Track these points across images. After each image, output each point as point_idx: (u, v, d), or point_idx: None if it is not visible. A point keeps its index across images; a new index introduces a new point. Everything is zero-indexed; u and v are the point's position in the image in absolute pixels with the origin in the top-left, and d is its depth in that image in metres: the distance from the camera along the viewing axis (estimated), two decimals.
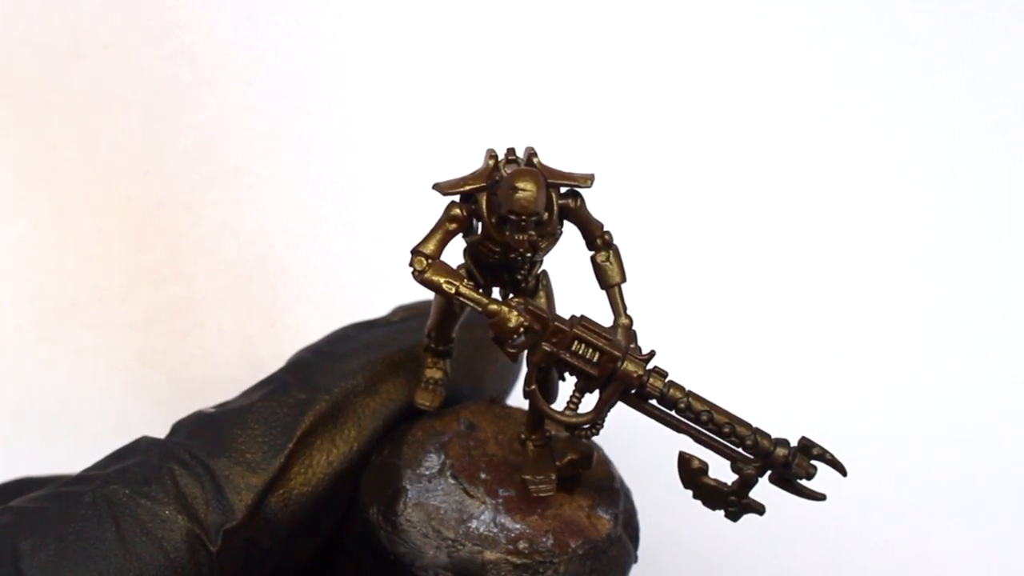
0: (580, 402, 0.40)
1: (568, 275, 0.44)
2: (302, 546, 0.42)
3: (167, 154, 0.71)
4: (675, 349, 0.44)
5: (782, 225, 0.75)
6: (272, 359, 0.55)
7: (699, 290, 0.74)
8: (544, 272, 0.42)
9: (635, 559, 0.43)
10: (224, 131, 0.72)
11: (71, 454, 0.46)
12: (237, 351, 0.70)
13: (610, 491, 0.43)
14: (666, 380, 0.39)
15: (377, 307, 0.52)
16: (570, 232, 0.42)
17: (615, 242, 0.42)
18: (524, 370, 0.41)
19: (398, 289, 0.53)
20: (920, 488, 0.66)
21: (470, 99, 0.74)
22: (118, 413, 0.67)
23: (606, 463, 0.44)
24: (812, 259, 0.75)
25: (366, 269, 0.72)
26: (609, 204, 0.43)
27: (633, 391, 0.39)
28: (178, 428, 0.43)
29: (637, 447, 0.48)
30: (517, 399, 0.47)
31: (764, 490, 0.39)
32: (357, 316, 0.51)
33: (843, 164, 0.76)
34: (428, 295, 0.45)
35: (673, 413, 0.39)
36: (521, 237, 0.38)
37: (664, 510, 0.49)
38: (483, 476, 0.42)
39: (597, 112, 0.75)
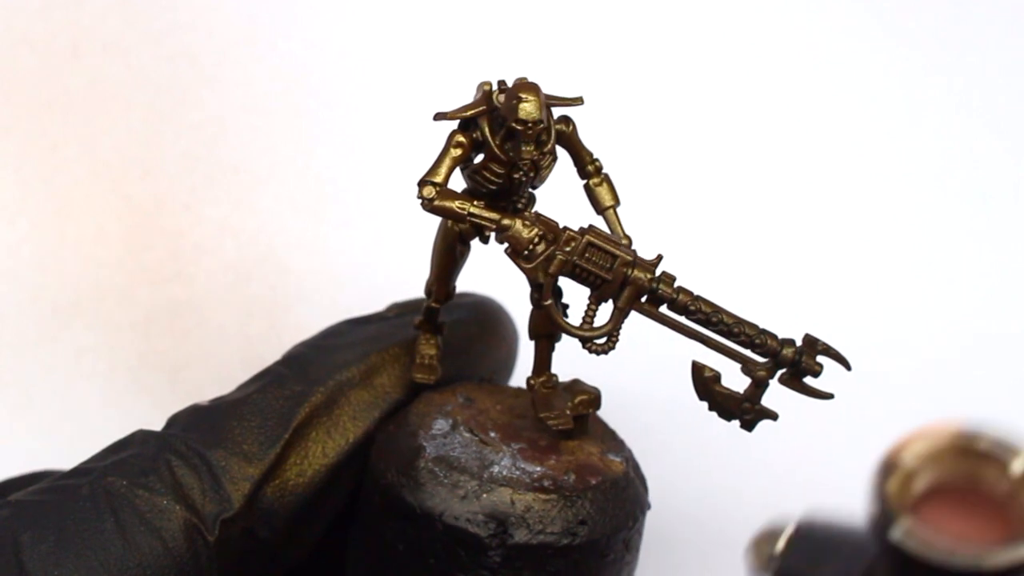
0: (595, 314, 0.41)
1: None
2: (299, 537, 0.43)
3: (167, 154, 0.71)
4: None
5: (779, 169, 0.76)
6: (272, 359, 0.55)
7: (689, 227, 0.74)
8: (538, 213, 0.43)
9: (648, 505, 0.43)
10: (224, 131, 0.72)
11: (71, 454, 0.46)
12: (237, 351, 0.70)
13: (615, 441, 0.44)
14: (674, 285, 0.40)
15: (377, 307, 0.52)
16: (561, 207, 0.42)
17: (606, 170, 0.43)
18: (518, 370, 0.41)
19: (398, 289, 0.53)
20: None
21: (470, 98, 0.74)
22: (118, 413, 0.66)
23: (605, 424, 0.45)
24: (807, 202, 0.75)
25: (366, 269, 0.72)
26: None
27: (645, 297, 0.40)
28: (174, 421, 0.43)
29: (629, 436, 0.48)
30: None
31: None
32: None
33: (837, 109, 0.76)
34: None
35: (683, 319, 0.40)
36: (528, 148, 0.39)
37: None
38: (493, 434, 0.42)
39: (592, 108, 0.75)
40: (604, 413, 0.45)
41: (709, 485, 0.61)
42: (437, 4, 0.75)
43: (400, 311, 0.50)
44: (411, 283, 0.46)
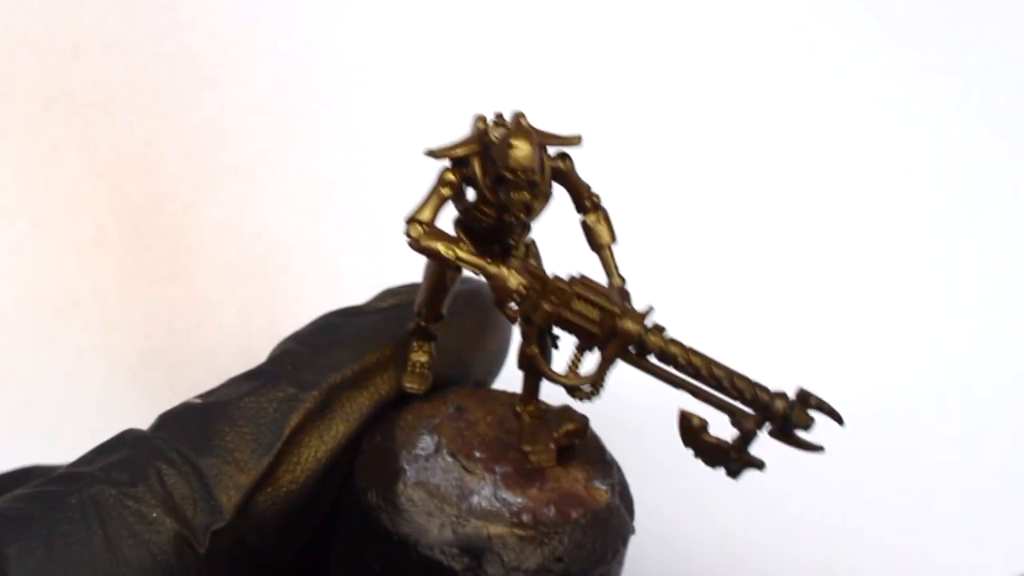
0: (581, 363, 0.40)
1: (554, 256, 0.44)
2: (289, 541, 0.42)
3: (167, 154, 0.71)
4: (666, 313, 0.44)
5: (773, 195, 0.76)
6: None
7: (691, 263, 0.74)
8: (533, 241, 0.42)
9: (632, 530, 0.43)
10: (224, 131, 0.72)
11: (71, 454, 0.46)
12: (237, 351, 0.69)
13: (603, 463, 0.43)
14: (664, 336, 0.39)
15: None
16: (556, 219, 0.42)
17: (604, 205, 0.42)
18: (512, 357, 0.41)
19: None
20: (913, 469, 0.65)
21: (470, 99, 0.74)
22: (118, 413, 0.66)
23: (596, 437, 0.44)
24: (806, 231, 0.75)
25: (366, 269, 0.72)
26: (599, 177, 0.43)
27: (633, 348, 0.39)
28: (164, 420, 0.42)
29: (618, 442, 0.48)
30: (502, 386, 0.47)
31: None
32: None
33: (842, 135, 0.76)
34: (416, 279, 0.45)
35: (671, 369, 0.39)
36: (517, 196, 0.38)
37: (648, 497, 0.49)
38: (478, 455, 0.41)
39: (590, 108, 0.75)
40: (601, 421, 0.45)
41: (704, 493, 0.61)
42: (436, 5, 0.75)
43: (394, 300, 0.49)
44: (410, 282, 0.46)
